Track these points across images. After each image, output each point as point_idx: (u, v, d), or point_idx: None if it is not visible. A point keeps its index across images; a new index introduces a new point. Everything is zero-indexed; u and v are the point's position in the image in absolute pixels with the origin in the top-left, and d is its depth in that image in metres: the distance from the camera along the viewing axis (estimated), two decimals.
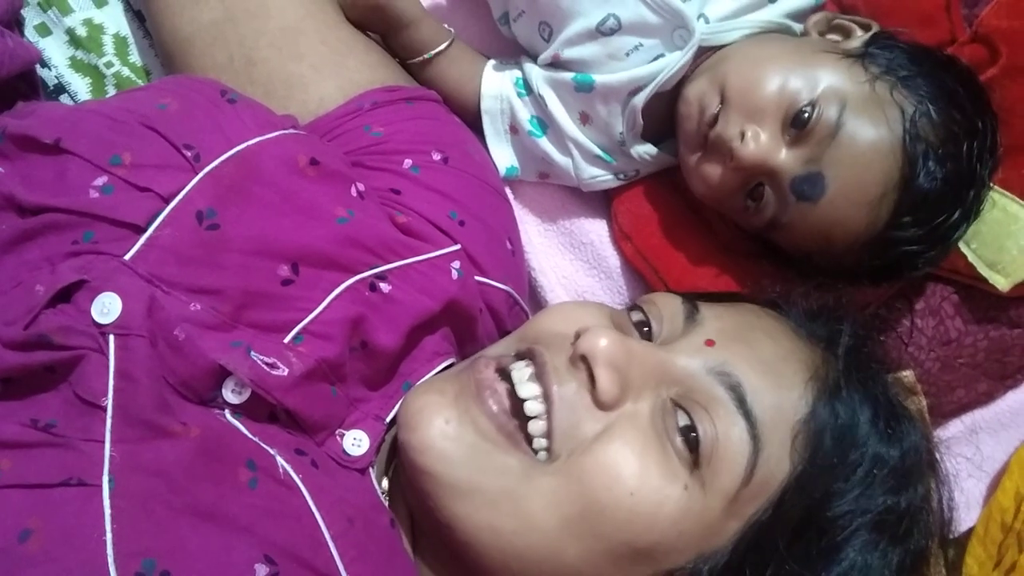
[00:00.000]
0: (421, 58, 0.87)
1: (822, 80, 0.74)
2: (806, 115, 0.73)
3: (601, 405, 0.58)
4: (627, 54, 0.80)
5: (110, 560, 0.49)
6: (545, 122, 0.87)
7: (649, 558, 0.57)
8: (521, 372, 0.60)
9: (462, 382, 0.60)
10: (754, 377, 0.58)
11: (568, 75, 0.83)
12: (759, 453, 0.56)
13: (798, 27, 0.83)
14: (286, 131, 0.68)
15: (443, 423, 0.58)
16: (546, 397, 0.58)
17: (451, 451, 0.57)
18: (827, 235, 0.76)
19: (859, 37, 0.79)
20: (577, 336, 0.59)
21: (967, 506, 0.90)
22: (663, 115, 0.83)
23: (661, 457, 0.56)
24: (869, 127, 0.73)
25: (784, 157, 0.74)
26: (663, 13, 0.78)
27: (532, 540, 0.56)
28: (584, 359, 0.58)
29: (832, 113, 0.73)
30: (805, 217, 0.76)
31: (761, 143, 0.74)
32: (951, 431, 0.89)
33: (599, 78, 0.81)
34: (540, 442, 0.58)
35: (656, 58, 0.80)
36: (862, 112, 0.73)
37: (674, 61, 0.78)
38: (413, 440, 0.58)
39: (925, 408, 0.82)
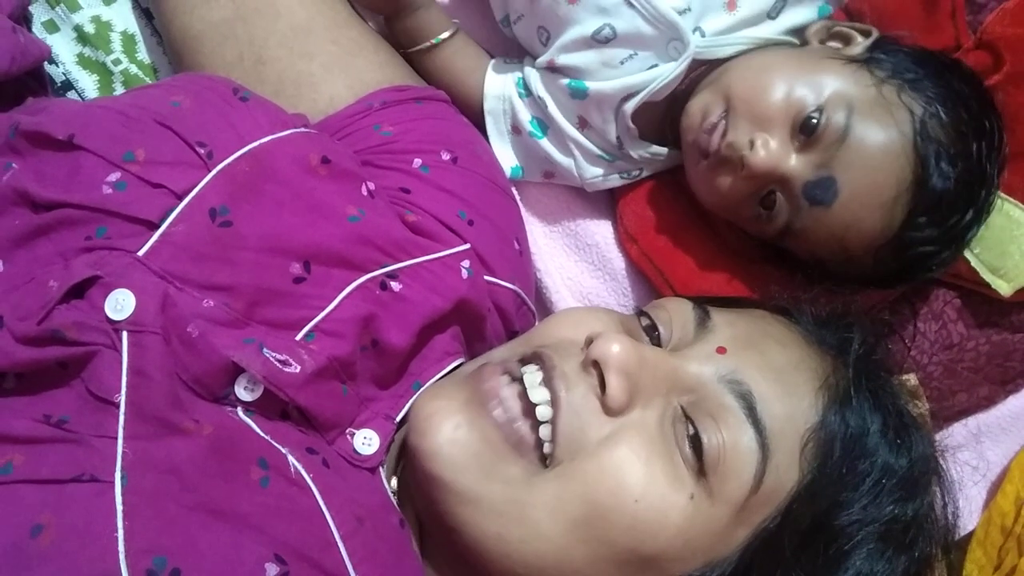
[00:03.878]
0: (427, 44, 0.87)
1: (828, 85, 0.74)
2: (814, 121, 0.73)
3: (609, 411, 0.58)
4: (621, 63, 0.80)
5: (121, 557, 0.48)
6: (545, 123, 0.87)
7: (655, 566, 0.57)
8: (532, 376, 0.60)
9: (470, 388, 0.60)
10: (765, 385, 0.58)
11: (564, 81, 0.83)
12: (768, 461, 0.56)
13: (798, 43, 0.83)
14: (298, 129, 0.68)
15: (452, 429, 0.58)
16: (553, 402, 0.58)
17: (458, 457, 0.57)
18: (842, 239, 0.77)
19: (860, 43, 0.80)
20: (588, 342, 0.60)
21: (968, 510, 0.90)
22: (660, 124, 0.84)
23: (668, 465, 0.56)
24: (878, 130, 0.73)
25: (795, 163, 0.75)
26: (658, 25, 0.78)
27: (539, 547, 0.56)
28: (596, 364, 0.58)
29: (840, 118, 0.73)
30: (819, 222, 0.76)
31: (771, 150, 0.74)
32: (954, 437, 0.89)
33: (592, 85, 0.81)
34: (549, 447, 0.58)
35: (651, 68, 0.80)
36: (869, 115, 0.74)
37: (668, 71, 0.79)
38: (423, 445, 0.58)
39: (927, 413, 0.82)
